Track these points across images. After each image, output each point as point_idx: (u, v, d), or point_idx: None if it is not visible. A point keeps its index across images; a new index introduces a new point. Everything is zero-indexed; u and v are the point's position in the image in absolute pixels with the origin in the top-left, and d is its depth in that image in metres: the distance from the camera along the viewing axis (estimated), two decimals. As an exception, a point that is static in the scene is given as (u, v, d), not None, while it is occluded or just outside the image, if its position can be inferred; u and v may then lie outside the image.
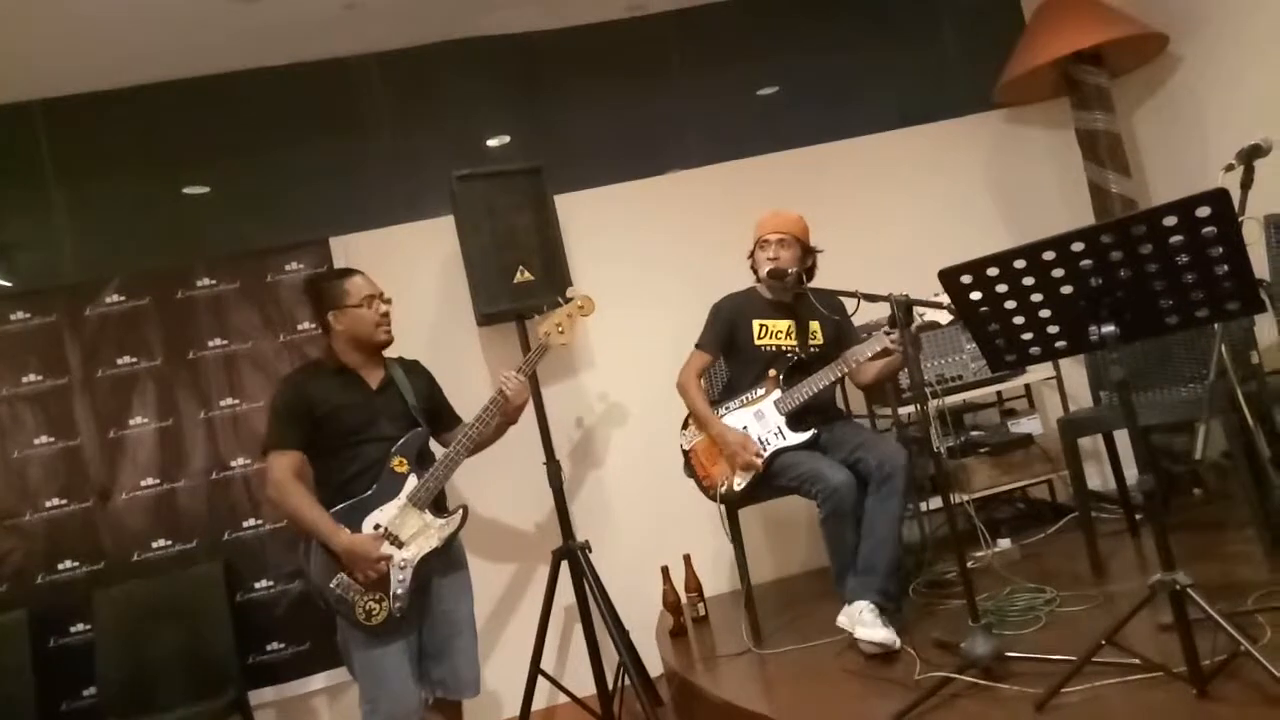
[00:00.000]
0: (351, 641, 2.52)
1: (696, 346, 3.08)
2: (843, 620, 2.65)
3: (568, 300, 2.90)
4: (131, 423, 3.38)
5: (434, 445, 2.77)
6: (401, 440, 2.59)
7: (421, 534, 2.55)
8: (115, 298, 3.43)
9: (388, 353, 2.74)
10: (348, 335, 2.63)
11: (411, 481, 2.57)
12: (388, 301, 2.68)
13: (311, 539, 2.48)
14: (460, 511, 2.64)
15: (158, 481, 3.36)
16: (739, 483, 2.88)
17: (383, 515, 2.52)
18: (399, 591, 2.48)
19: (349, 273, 2.68)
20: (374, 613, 2.46)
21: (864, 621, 2.55)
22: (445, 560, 2.62)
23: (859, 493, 2.77)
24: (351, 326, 2.62)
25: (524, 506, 3.61)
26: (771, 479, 2.86)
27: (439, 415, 2.81)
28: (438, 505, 2.63)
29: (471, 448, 2.66)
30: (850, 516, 2.69)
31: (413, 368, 2.80)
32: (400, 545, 2.51)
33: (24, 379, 3.33)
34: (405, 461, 2.58)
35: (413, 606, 2.52)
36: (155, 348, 3.43)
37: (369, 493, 2.53)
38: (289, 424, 2.54)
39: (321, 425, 2.55)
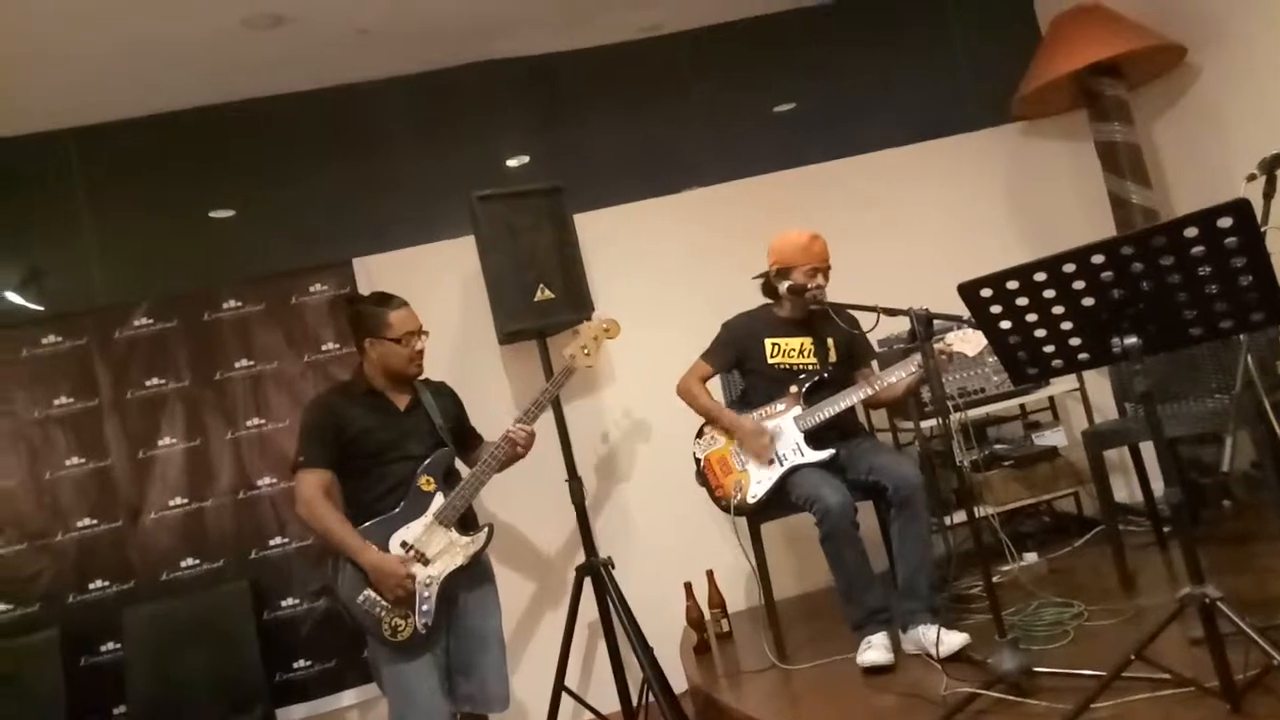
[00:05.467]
0: (380, 657, 2.56)
1: (701, 357, 3.09)
2: (910, 648, 2.65)
3: (592, 322, 2.92)
4: (160, 443, 3.42)
5: (459, 465, 2.80)
6: (428, 459, 2.64)
7: (447, 551, 2.59)
8: (144, 320, 3.48)
9: None
10: (381, 364, 2.68)
11: (438, 500, 2.62)
12: (425, 335, 2.72)
13: (340, 556, 2.53)
14: (486, 529, 2.68)
15: (186, 501, 3.40)
16: (753, 493, 2.88)
17: (409, 533, 2.56)
18: (425, 608, 2.52)
19: (394, 304, 2.70)
20: (400, 628, 2.49)
21: (930, 640, 2.53)
22: (472, 575, 2.66)
23: (881, 511, 2.76)
24: (385, 357, 2.67)
25: (547, 523, 3.62)
26: (785, 495, 2.86)
27: (464, 436, 2.86)
28: (464, 523, 2.67)
29: (498, 467, 2.70)
30: (848, 538, 2.68)
31: (439, 389, 2.85)
32: (426, 562, 2.55)
33: (55, 401, 3.38)
34: (432, 480, 2.63)
35: (439, 622, 2.56)
36: (183, 369, 3.48)
37: (396, 510, 2.58)
38: (319, 443, 2.59)
39: (350, 445, 2.60)
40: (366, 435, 2.61)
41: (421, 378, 2.78)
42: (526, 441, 2.75)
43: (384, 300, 2.71)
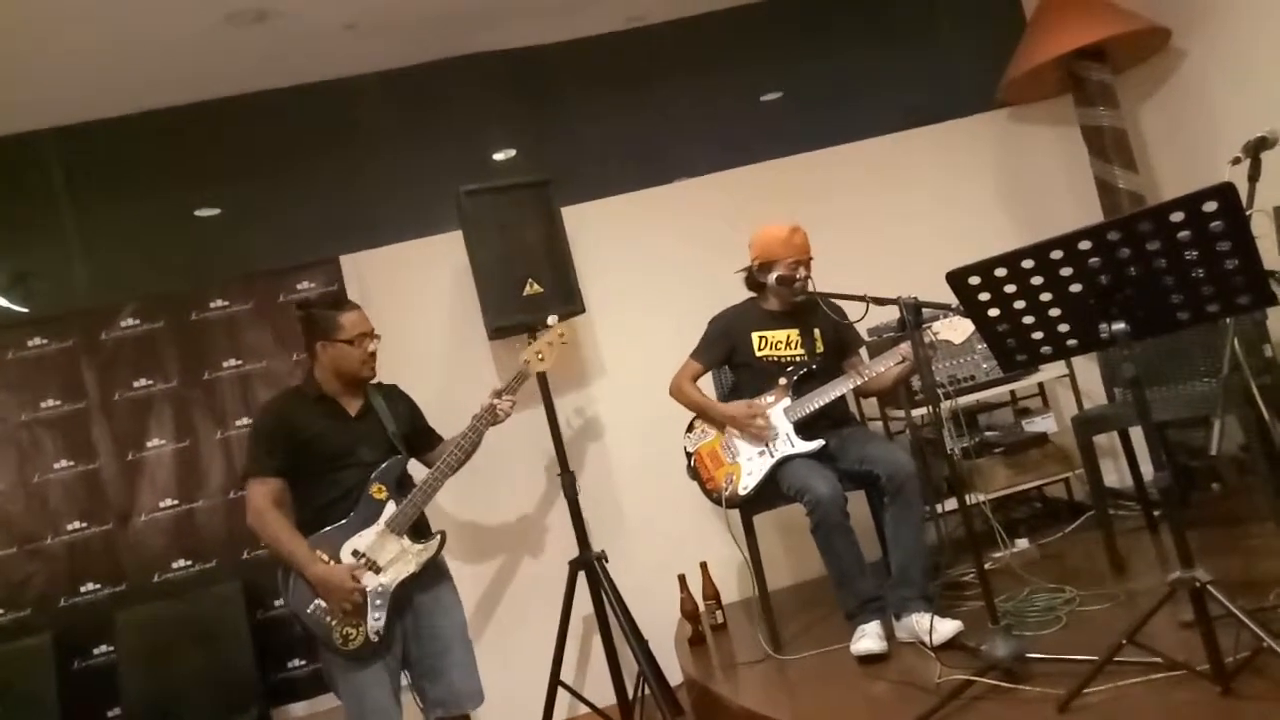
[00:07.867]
0: (332, 665, 2.53)
1: (691, 356, 3.09)
2: (903, 636, 2.66)
3: (550, 328, 2.91)
4: (149, 444, 3.41)
5: (418, 466, 2.75)
6: (381, 467, 2.60)
7: (399, 559, 2.55)
8: (130, 321, 3.46)
9: None
10: (332, 367, 2.63)
11: (390, 508, 2.57)
12: (377, 338, 2.67)
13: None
14: (439, 536, 2.64)
15: (176, 502, 3.39)
16: (744, 484, 2.88)
17: (361, 541, 2.52)
18: (376, 615, 2.48)
19: (345, 306, 2.66)
20: (351, 637, 2.46)
21: (924, 628, 2.53)
22: (427, 576, 2.61)
23: (873, 500, 2.76)
24: (337, 360, 2.61)
25: (540, 517, 3.62)
26: (776, 486, 2.86)
27: (420, 438, 2.81)
28: (417, 530, 2.62)
29: (450, 473, 2.65)
30: (839, 528, 2.68)
31: (391, 393, 2.79)
32: (378, 570, 2.51)
33: (42, 404, 3.36)
34: (384, 488, 2.58)
35: (392, 629, 2.52)
36: (171, 370, 3.46)
37: (347, 519, 2.54)
38: (269, 451, 2.55)
39: (301, 452, 2.55)
40: (318, 441, 2.56)
41: (373, 381, 2.72)
42: (508, 413, 2.74)
43: (336, 304, 2.68)
